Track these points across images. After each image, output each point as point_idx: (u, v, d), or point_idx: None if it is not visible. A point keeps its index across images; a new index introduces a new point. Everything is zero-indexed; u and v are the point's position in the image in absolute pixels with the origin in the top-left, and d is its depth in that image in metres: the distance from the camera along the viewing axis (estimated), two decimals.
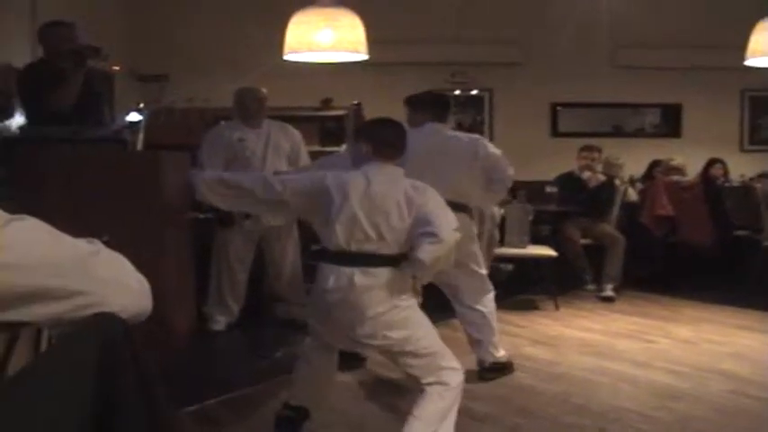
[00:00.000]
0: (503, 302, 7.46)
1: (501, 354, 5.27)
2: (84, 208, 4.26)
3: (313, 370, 4.07)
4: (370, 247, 3.65)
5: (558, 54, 9.93)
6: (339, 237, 3.66)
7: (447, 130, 5.33)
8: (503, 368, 5.25)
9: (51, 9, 6.15)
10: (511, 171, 5.26)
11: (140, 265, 1.69)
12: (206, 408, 4.53)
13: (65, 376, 1.36)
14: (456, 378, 3.76)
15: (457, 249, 3.68)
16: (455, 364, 3.82)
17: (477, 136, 5.49)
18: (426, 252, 3.46)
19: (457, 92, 10.25)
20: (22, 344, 1.50)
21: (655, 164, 9.34)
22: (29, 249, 1.46)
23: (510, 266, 8.32)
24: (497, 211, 7.53)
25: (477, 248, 5.29)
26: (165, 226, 4.98)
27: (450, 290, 5.25)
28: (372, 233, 3.64)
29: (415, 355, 3.75)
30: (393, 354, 3.79)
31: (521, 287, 8.15)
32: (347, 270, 3.64)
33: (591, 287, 8.17)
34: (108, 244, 1.65)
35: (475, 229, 5.35)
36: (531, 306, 7.52)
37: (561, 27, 9.79)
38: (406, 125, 4.69)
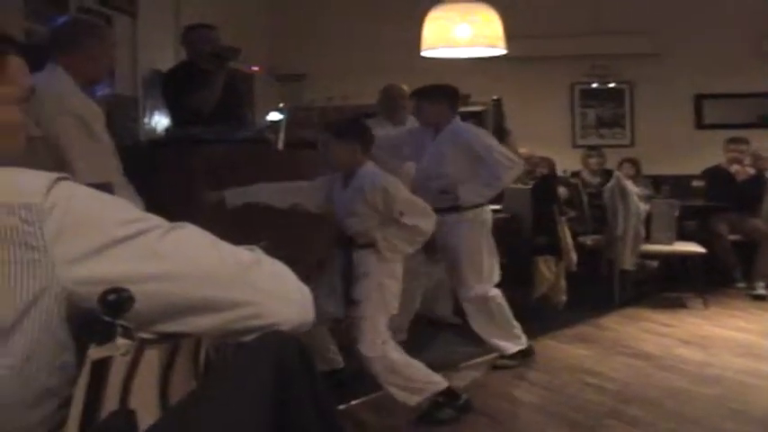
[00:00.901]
0: (649, 300, 7.32)
1: None
2: (235, 209, 4.30)
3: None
4: None
5: (699, 44, 9.61)
6: None
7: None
8: None
9: (194, 12, 6.25)
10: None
11: (291, 265, 1.65)
12: (350, 408, 4.51)
13: (241, 399, 1.32)
14: None
15: None
16: None
17: None
18: None
19: (594, 84, 10.04)
20: (182, 355, 1.48)
21: None
22: (189, 259, 1.43)
23: (656, 263, 8.09)
24: (642, 207, 7.33)
25: None
26: (312, 226, 5.00)
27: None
28: None
29: None
30: None
31: (667, 285, 7.91)
32: None
33: (741, 285, 7.86)
34: (266, 249, 1.61)
35: None
36: (678, 304, 7.27)
37: (702, 16, 9.48)
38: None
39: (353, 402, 4.58)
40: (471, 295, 5.26)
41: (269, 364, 1.37)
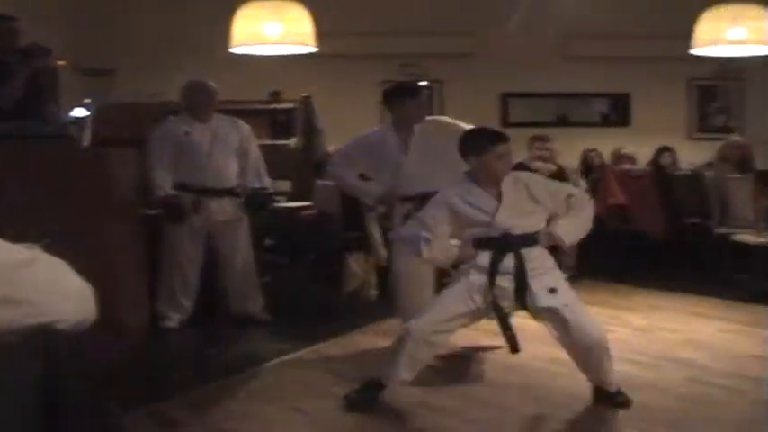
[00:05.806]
0: None
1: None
2: (31, 206, 4.14)
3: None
4: None
5: (508, 45, 9.93)
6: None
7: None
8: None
9: None
10: None
11: (91, 263, 1.61)
12: (160, 408, 4.43)
13: (5, 400, 1.28)
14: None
15: None
16: None
17: None
18: None
19: None
20: None
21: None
22: None
23: None
24: None
25: None
26: (116, 223, 4.88)
27: None
28: None
29: None
30: None
31: None
32: None
33: None
34: (48, 248, 1.56)
35: None
36: None
37: (511, 18, 9.78)
38: None
39: (166, 402, 4.51)
40: None
41: (35, 365, 1.33)
